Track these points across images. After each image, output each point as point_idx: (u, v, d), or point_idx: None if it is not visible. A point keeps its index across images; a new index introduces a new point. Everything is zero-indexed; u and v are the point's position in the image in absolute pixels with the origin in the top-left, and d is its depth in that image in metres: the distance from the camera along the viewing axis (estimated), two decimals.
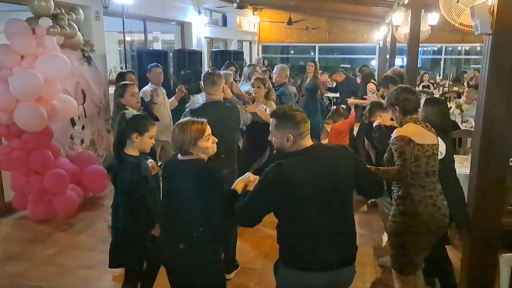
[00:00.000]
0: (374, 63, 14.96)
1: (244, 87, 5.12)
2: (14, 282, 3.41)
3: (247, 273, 3.54)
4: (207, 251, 2.21)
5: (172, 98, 4.77)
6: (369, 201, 4.84)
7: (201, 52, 8.04)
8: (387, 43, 10.53)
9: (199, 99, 5.63)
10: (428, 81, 11.96)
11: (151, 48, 9.42)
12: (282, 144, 2.04)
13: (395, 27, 7.70)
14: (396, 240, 2.60)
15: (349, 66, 15.27)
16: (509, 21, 2.21)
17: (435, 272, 3.14)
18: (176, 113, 4.36)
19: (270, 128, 2.11)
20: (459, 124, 6.36)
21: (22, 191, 4.53)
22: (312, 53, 15.45)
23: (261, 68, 7.58)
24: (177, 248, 2.18)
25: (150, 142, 2.59)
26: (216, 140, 2.28)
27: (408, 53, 6.23)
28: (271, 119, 2.09)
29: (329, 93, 8.72)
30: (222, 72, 5.04)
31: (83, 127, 5.37)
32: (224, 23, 11.46)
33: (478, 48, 14.18)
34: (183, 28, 9.14)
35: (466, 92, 8.25)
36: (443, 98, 9.55)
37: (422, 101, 3.11)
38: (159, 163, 3.92)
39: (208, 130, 2.22)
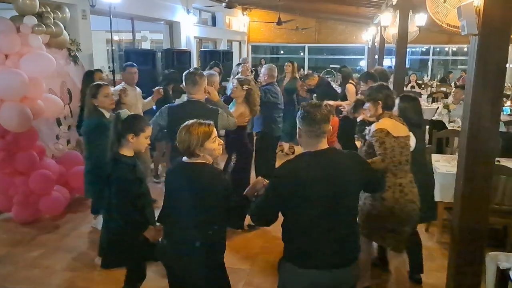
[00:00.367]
0: (363, 63, 15.07)
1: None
2: None
3: (235, 273, 3.52)
4: (213, 253, 2.24)
5: (148, 99, 4.73)
6: None
7: (189, 52, 8.00)
8: (375, 44, 10.61)
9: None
10: (416, 81, 12.08)
11: (139, 48, 9.35)
12: (297, 137, 2.15)
13: (384, 28, 7.75)
14: (363, 217, 2.84)
15: (338, 66, 15.35)
16: (495, 22, 2.23)
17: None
18: None
19: None
20: (446, 124, 6.43)
21: (6, 193, 4.44)
22: (301, 53, 15.50)
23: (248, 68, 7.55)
24: (182, 250, 2.20)
25: (146, 142, 2.58)
26: (222, 142, 2.30)
27: (396, 53, 6.27)
28: None
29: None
30: (207, 72, 5.03)
31: (69, 127, 5.29)
32: (214, 23, 11.42)
33: (465, 49, 14.36)
34: (172, 27, 9.09)
35: (453, 92, 8.34)
36: (432, 98, 9.67)
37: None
38: None
39: (215, 132, 2.24)
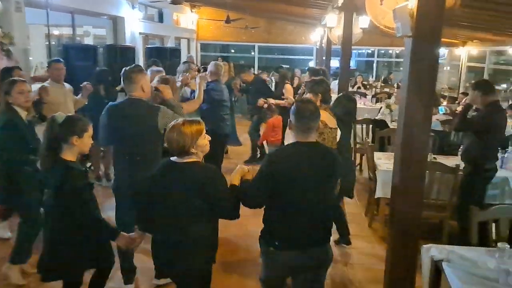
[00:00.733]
0: (312, 64, 15.33)
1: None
2: None
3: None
4: (213, 247, 2.38)
5: (79, 96, 4.63)
6: None
7: (134, 48, 7.72)
8: (323, 45, 10.83)
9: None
10: (362, 82, 12.51)
11: (80, 43, 8.90)
12: (288, 129, 2.42)
13: (329, 29, 7.92)
14: None
15: (288, 66, 15.52)
16: (428, 24, 2.32)
17: None
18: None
19: None
20: (389, 123, 6.69)
21: None
22: (252, 53, 15.52)
23: (196, 65, 7.45)
24: (180, 249, 2.27)
25: (90, 141, 2.51)
26: (210, 138, 2.38)
27: (341, 54, 6.43)
28: None
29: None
30: (155, 69, 4.87)
31: None
32: (161, 19, 11.11)
33: None
34: (116, 22, 8.73)
35: (395, 93, 8.70)
36: (376, 98, 10.04)
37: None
38: None
39: (204, 128, 2.32)
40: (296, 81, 11.60)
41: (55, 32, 8.84)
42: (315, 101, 3.14)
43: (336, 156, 2.46)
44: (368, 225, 4.87)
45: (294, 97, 6.29)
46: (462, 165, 4.12)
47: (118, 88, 5.55)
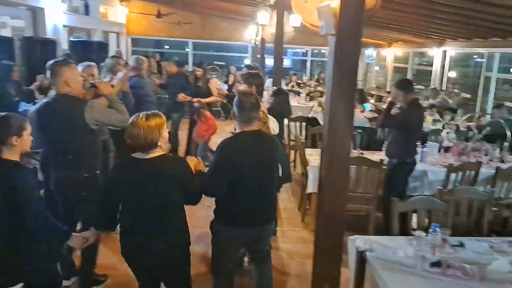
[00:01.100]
0: (248, 62, 15.40)
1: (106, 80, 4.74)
2: None
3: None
4: (185, 238, 2.47)
5: None
6: None
7: (55, 41, 7.21)
8: (257, 43, 10.91)
9: None
10: (296, 81, 12.79)
11: None
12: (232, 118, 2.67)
13: (262, 27, 7.98)
14: None
15: (224, 64, 15.46)
16: (351, 23, 2.37)
17: None
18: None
19: None
20: (320, 121, 6.88)
21: None
22: (187, 49, 15.23)
23: (125, 61, 7.13)
24: (162, 245, 2.34)
25: (30, 138, 2.40)
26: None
27: (274, 52, 6.51)
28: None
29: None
30: (85, 64, 4.59)
31: None
32: (87, 12, 10.47)
33: None
34: (35, 14, 8.08)
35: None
36: (309, 96, 10.31)
37: None
38: None
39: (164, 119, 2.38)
40: (231, 79, 11.61)
41: None
42: None
43: (276, 141, 2.76)
44: (301, 220, 4.97)
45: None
46: (386, 159, 4.35)
47: (34, 85, 5.14)
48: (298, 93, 10.73)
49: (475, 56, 10.55)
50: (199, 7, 12.84)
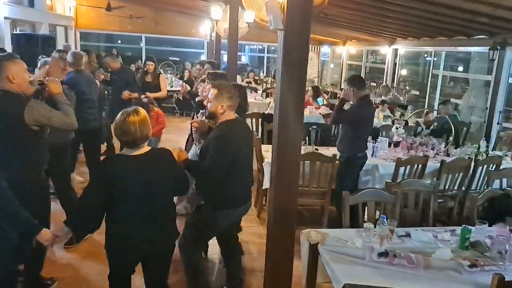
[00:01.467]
0: (203, 57, 15.20)
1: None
2: None
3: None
4: (177, 230, 2.61)
5: None
6: None
7: None
8: (212, 38, 10.79)
9: None
10: (253, 77, 12.80)
11: None
12: (216, 112, 2.86)
13: (216, 22, 7.89)
14: None
15: (179, 59, 15.18)
16: (298, 18, 2.37)
17: None
18: None
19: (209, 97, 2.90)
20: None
21: None
22: (140, 44, 14.80)
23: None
24: (167, 235, 2.50)
25: None
26: None
27: (228, 48, 6.44)
28: (212, 89, 2.90)
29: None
30: (42, 60, 4.32)
31: None
32: (31, 4, 9.89)
33: None
34: None
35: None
36: (266, 93, 10.34)
37: None
38: None
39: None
40: (186, 74, 11.42)
41: None
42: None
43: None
44: (257, 216, 4.98)
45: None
46: (339, 154, 4.43)
47: None
48: (256, 90, 10.75)
49: (425, 55, 11.00)
50: (151, 1, 12.51)
